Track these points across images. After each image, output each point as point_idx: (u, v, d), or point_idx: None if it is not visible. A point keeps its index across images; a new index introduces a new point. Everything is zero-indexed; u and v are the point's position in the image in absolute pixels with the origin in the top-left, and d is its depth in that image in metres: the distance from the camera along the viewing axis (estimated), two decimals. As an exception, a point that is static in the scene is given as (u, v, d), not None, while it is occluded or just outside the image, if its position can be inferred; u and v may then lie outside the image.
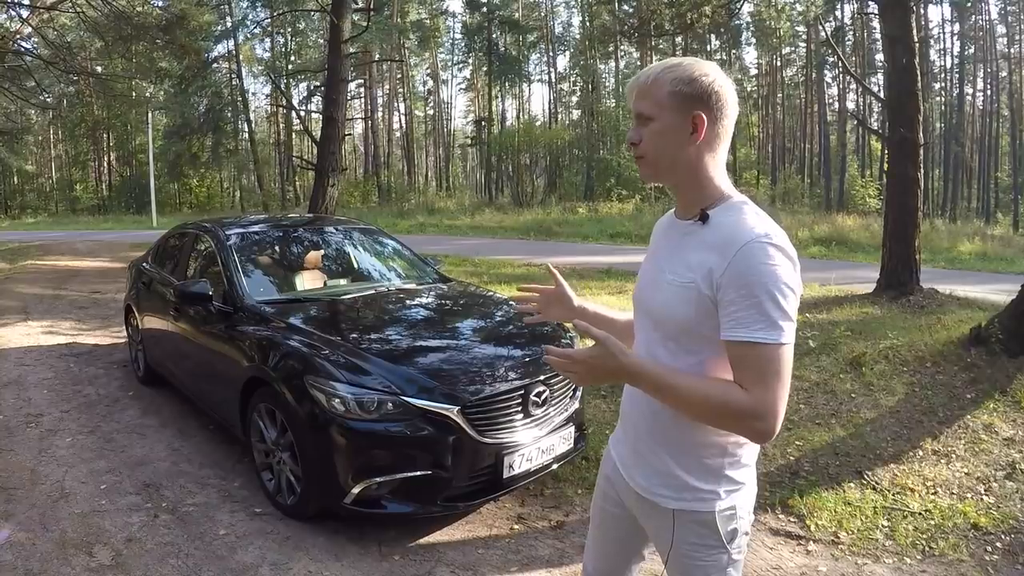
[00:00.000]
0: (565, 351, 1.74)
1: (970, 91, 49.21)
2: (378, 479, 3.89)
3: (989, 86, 48.21)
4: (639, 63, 47.86)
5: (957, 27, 47.66)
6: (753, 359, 1.61)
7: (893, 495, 4.59)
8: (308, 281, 5.82)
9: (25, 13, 18.48)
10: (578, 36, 54.20)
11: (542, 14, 55.80)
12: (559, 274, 2.26)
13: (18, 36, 18.75)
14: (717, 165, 1.78)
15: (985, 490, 4.63)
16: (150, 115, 40.59)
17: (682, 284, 1.73)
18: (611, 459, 2.11)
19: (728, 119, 1.76)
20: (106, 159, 54.69)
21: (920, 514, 4.36)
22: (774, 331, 1.60)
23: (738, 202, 1.77)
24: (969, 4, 45.60)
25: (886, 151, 12.91)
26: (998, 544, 4.06)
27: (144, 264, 7.50)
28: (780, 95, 51.25)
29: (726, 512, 1.82)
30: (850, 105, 48.32)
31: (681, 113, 1.71)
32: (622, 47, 48.02)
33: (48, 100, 31.57)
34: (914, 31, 9.46)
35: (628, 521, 2.08)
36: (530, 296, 2.34)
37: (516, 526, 4.32)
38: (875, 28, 39.15)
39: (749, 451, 1.85)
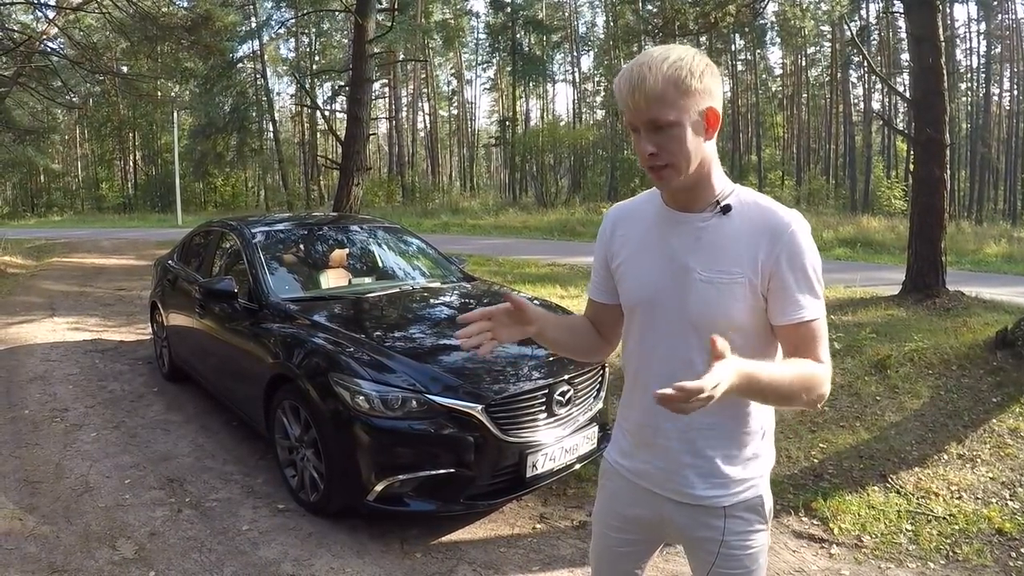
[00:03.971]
0: (694, 384, 1.34)
1: (996, 91, 48.70)
2: (401, 477, 3.91)
3: (1016, 86, 47.60)
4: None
5: (983, 26, 47.18)
6: (814, 333, 1.70)
7: (917, 499, 4.56)
8: (333, 279, 5.85)
9: (51, 14, 18.66)
10: (602, 36, 54.07)
11: (566, 14, 55.68)
12: (514, 295, 1.94)
13: (45, 37, 18.93)
14: (716, 157, 1.77)
15: (1010, 495, 4.58)
16: (175, 115, 40.93)
17: (730, 281, 1.70)
18: (623, 481, 2.03)
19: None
20: (132, 158, 55.16)
21: (944, 519, 4.33)
22: (821, 303, 1.71)
23: (741, 190, 1.79)
24: (995, 3, 45.12)
25: (912, 152, 12.80)
26: (1023, 550, 4.01)
27: (169, 262, 7.57)
28: (805, 95, 50.88)
29: (767, 492, 1.88)
30: (875, 105, 47.88)
31: (696, 112, 1.65)
32: (646, 47, 47.74)
33: (74, 100, 31.79)
34: (940, 30, 9.38)
35: (648, 536, 2.06)
36: (474, 321, 1.85)
37: (538, 525, 4.33)
38: (901, 27, 38.77)
39: (772, 427, 1.92)
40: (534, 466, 4.07)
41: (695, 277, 1.74)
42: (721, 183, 1.77)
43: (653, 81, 1.60)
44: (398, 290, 5.80)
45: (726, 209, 1.73)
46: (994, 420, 5.52)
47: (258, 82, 50.26)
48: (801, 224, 1.70)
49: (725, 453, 1.82)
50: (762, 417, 1.85)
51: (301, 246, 6.41)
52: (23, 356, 8.14)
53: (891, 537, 4.17)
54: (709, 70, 1.65)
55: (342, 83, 36.59)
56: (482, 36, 57.66)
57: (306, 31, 51.29)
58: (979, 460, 5.02)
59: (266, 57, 50.14)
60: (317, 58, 53.09)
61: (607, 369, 4.82)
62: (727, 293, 1.71)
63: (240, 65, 48.81)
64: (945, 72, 9.34)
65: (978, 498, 4.56)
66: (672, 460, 1.87)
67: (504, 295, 1.98)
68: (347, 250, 6.35)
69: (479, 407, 3.95)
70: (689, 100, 1.62)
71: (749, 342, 1.70)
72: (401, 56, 43.06)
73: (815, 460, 5.13)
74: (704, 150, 1.70)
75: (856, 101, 49.85)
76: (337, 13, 37.36)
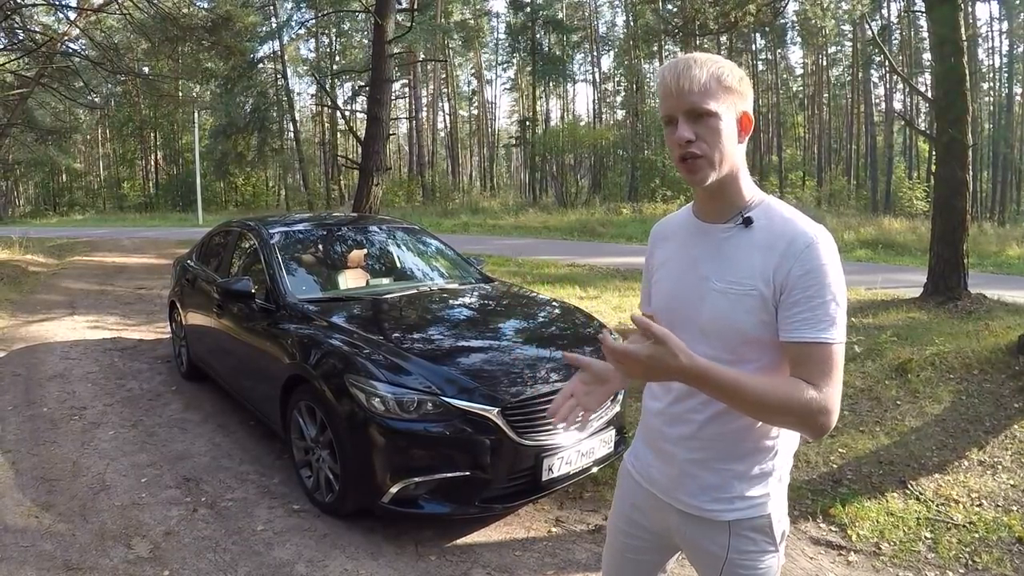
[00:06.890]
0: (624, 347, 1.59)
1: (1019, 91, 48.18)
2: (416, 479, 3.90)
3: (1040, 86, 47.22)
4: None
5: (1006, 25, 46.76)
6: (819, 357, 1.61)
7: (937, 506, 4.51)
8: (351, 280, 5.86)
9: (73, 15, 18.80)
10: (622, 36, 53.92)
11: (586, 14, 55.68)
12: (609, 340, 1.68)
13: (66, 38, 19.08)
14: (745, 164, 1.79)
15: (1033, 502, 4.53)
16: (196, 115, 41.18)
17: (742, 292, 1.70)
18: (634, 483, 2.06)
19: None
20: (153, 158, 55.50)
21: (964, 526, 4.28)
22: (836, 330, 1.62)
23: (772, 201, 1.78)
24: (1018, 2, 44.69)
25: (934, 152, 12.70)
26: (1046, 557, 3.97)
27: (189, 261, 7.60)
28: (826, 95, 50.62)
29: (778, 513, 1.83)
30: (897, 105, 47.62)
31: (733, 111, 1.70)
32: (666, 47, 47.65)
33: (96, 100, 32.07)
34: (962, 30, 9.28)
35: (657, 544, 2.04)
36: (561, 406, 1.84)
37: (554, 529, 4.31)
38: (922, 27, 38.54)
39: (792, 447, 1.85)
40: (550, 469, 4.05)
41: (710, 286, 1.76)
42: (750, 192, 1.78)
43: (699, 71, 1.66)
44: (416, 291, 5.80)
45: (748, 222, 1.74)
46: (1016, 426, 5.45)
47: (278, 82, 50.43)
48: (824, 240, 1.65)
49: (729, 467, 1.80)
50: (775, 435, 1.79)
51: (319, 246, 6.42)
52: (43, 354, 8.21)
53: (910, 544, 4.12)
54: (746, 79, 1.73)
55: (362, 83, 36.77)
56: (502, 36, 57.72)
57: (326, 31, 51.48)
58: (1000, 467, 4.96)
59: (286, 57, 50.36)
60: (337, 58, 53.24)
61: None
62: (738, 304, 1.70)
63: (260, 65, 49.02)
64: (967, 72, 9.25)
65: (999, 505, 4.51)
66: (676, 467, 1.87)
67: (602, 339, 1.67)
68: (365, 251, 6.36)
69: (495, 410, 3.94)
70: (729, 96, 1.68)
71: (765, 356, 1.71)
72: (421, 56, 43.18)
73: (834, 465, 5.08)
74: (736, 152, 1.73)
75: (877, 101, 49.50)
76: (357, 13, 37.38)
